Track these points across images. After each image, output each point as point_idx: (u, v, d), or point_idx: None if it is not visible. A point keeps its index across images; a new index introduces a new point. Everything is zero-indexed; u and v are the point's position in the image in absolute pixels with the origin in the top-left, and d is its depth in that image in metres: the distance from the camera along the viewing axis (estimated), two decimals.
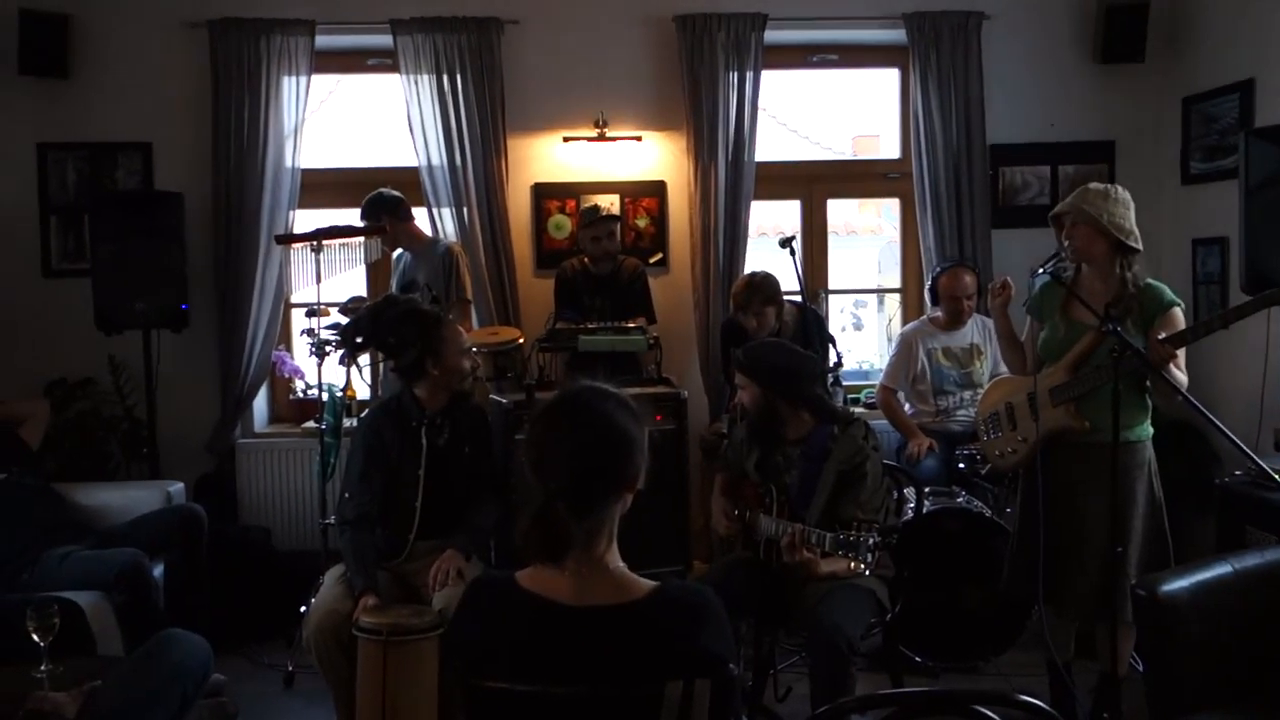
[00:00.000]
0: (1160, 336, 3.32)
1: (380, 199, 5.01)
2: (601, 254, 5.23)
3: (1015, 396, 3.76)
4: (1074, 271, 3.65)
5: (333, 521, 4.14)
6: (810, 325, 4.79)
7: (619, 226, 5.35)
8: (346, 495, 3.83)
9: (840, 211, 6.68)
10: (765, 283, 4.74)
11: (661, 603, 1.81)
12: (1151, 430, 3.61)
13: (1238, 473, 4.02)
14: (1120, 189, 3.56)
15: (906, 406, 5.14)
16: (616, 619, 1.79)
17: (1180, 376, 3.43)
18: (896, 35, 5.57)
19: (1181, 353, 3.45)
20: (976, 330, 5.11)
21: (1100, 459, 3.35)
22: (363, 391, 5.11)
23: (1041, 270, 3.57)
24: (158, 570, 4.24)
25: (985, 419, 3.92)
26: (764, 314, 4.71)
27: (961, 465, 4.66)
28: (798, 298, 4.93)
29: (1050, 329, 3.67)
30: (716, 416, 5.42)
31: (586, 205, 5.41)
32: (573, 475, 1.83)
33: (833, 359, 4.83)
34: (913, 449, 4.83)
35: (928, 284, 5.31)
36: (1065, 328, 3.60)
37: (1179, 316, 3.49)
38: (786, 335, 4.78)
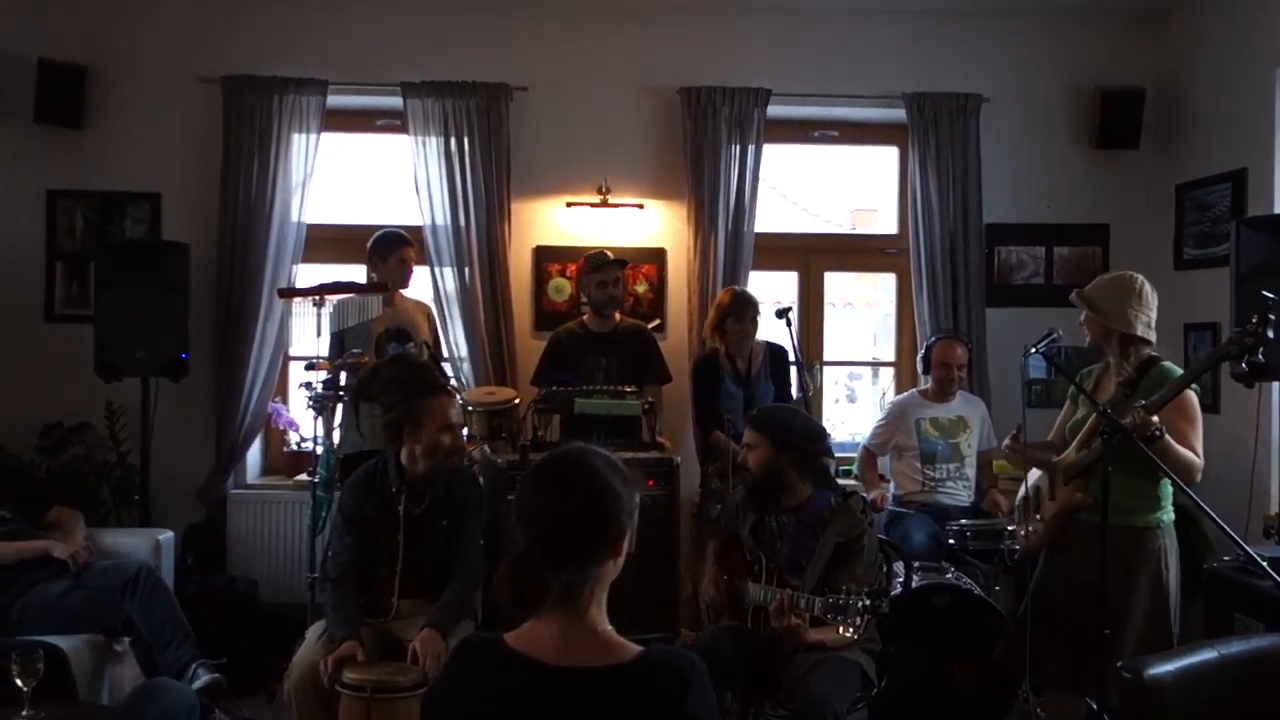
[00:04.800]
0: (1140, 403, 3.37)
1: (395, 234, 5.10)
2: (606, 299, 5.10)
3: (1043, 480, 3.85)
4: (1108, 359, 3.72)
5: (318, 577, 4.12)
6: (780, 359, 4.96)
7: (624, 274, 5.23)
8: (330, 554, 3.84)
9: (837, 284, 6.74)
10: (752, 297, 4.89)
11: (647, 666, 1.81)
12: (1170, 517, 3.64)
13: (1227, 558, 4.02)
14: (1135, 277, 3.63)
15: (893, 479, 5.19)
16: (601, 681, 1.79)
17: (1189, 457, 3.47)
18: (896, 114, 5.69)
19: (1199, 436, 3.52)
20: (964, 404, 5.15)
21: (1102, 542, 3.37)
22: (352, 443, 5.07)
23: (1034, 350, 3.62)
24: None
25: (1018, 503, 4.01)
26: (748, 327, 4.85)
27: (952, 541, 4.67)
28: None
29: (1077, 411, 3.77)
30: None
31: (591, 253, 5.25)
32: (552, 524, 1.84)
33: (795, 393, 4.96)
34: (875, 497, 4.91)
35: (920, 353, 5.33)
36: (1085, 409, 3.68)
37: (1187, 399, 3.52)
38: (757, 363, 4.93)
